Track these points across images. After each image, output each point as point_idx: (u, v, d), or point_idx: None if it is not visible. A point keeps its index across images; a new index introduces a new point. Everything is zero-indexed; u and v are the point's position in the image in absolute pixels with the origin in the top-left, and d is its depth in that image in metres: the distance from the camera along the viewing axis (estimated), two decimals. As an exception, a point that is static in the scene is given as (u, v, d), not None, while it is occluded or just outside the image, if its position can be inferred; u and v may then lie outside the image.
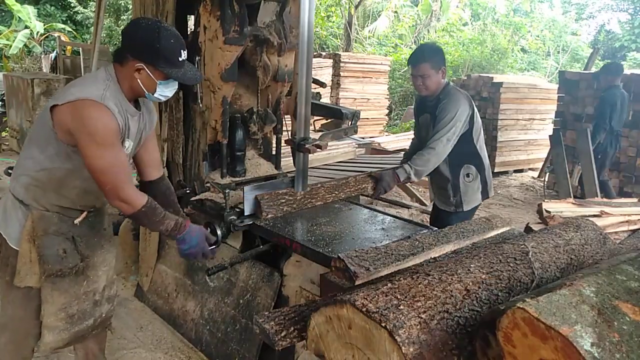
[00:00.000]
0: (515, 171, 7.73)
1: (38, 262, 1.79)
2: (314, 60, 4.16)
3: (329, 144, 2.94)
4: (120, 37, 1.83)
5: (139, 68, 1.73)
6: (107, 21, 15.29)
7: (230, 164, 2.86)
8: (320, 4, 14.64)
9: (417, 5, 15.87)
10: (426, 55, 2.74)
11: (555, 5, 18.48)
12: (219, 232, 2.30)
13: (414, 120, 3.51)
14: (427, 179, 3.24)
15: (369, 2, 15.92)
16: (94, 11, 9.39)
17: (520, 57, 15.64)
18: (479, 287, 1.22)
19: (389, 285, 1.21)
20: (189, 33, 2.95)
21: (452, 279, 1.23)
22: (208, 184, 2.79)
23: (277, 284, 2.34)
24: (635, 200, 3.82)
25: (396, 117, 12.71)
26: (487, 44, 14.13)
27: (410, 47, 14.97)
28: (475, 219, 1.97)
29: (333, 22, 16.11)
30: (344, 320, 1.15)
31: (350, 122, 2.91)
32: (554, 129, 6.64)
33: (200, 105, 2.74)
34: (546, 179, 6.58)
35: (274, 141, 3.12)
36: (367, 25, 16.14)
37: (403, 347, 1.01)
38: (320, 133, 2.71)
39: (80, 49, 11.54)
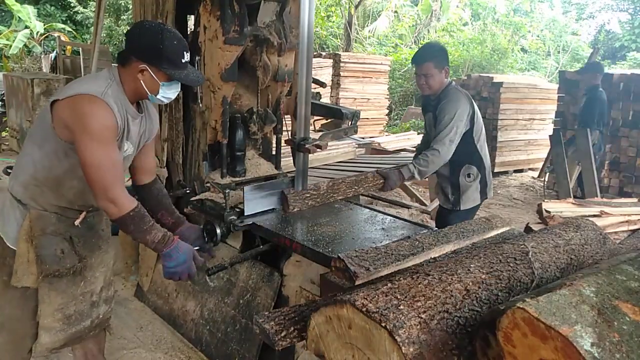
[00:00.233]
0: (515, 171, 7.74)
1: (35, 262, 1.78)
2: (314, 60, 4.16)
3: (329, 144, 2.95)
4: (122, 39, 1.84)
5: (142, 69, 1.73)
6: (107, 21, 15.25)
7: (230, 164, 2.86)
8: (320, 4, 14.65)
9: (417, 5, 15.88)
10: (430, 55, 2.75)
11: (555, 5, 18.48)
12: (218, 231, 2.30)
13: (414, 120, 3.51)
14: (427, 179, 3.24)
15: (369, 2, 15.93)
16: (94, 11, 9.38)
17: (521, 57, 15.65)
18: (479, 287, 1.22)
19: (389, 285, 1.21)
20: (189, 33, 2.95)
21: (452, 279, 1.23)
22: (208, 184, 2.79)
23: (277, 284, 2.34)
24: (635, 200, 3.83)
25: (396, 117, 12.71)
26: (487, 44, 14.14)
27: (410, 47, 14.98)
28: (475, 219, 1.97)
29: (333, 22, 16.12)
30: (344, 320, 1.15)
31: (350, 122, 2.91)
32: (554, 129, 6.64)
33: (200, 105, 2.74)
34: (546, 179, 6.58)
35: (274, 141, 3.12)
36: (367, 25, 16.15)
37: (403, 347, 1.02)
38: (320, 133, 2.72)
39: (80, 49, 11.51)
